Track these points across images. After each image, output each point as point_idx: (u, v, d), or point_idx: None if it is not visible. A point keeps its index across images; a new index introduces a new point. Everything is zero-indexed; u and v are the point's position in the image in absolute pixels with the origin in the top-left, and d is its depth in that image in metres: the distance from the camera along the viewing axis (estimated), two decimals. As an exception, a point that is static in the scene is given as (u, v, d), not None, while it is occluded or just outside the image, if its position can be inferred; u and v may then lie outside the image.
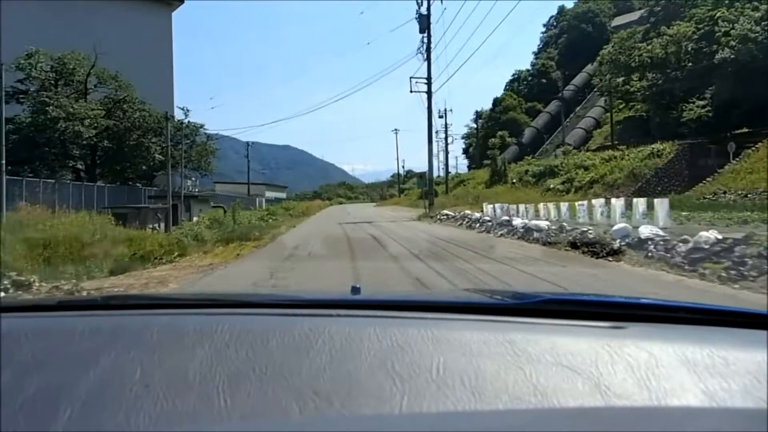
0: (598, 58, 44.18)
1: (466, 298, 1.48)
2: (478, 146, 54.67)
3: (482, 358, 0.81)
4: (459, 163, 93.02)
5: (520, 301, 1.22)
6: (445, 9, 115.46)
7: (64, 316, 1.13)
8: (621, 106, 43.94)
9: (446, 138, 55.32)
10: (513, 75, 64.15)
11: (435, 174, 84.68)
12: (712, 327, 1.05)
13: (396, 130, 75.26)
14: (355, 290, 1.37)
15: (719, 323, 1.07)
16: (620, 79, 38.28)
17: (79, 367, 0.79)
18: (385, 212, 38.47)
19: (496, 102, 57.73)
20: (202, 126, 37.01)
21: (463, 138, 69.90)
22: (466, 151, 66.79)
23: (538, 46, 70.13)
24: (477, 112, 70.51)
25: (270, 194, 70.10)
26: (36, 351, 0.85)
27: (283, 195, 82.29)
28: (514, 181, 38.60)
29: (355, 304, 1.22)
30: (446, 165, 52.65)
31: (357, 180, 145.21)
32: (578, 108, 57.01)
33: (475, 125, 71.04)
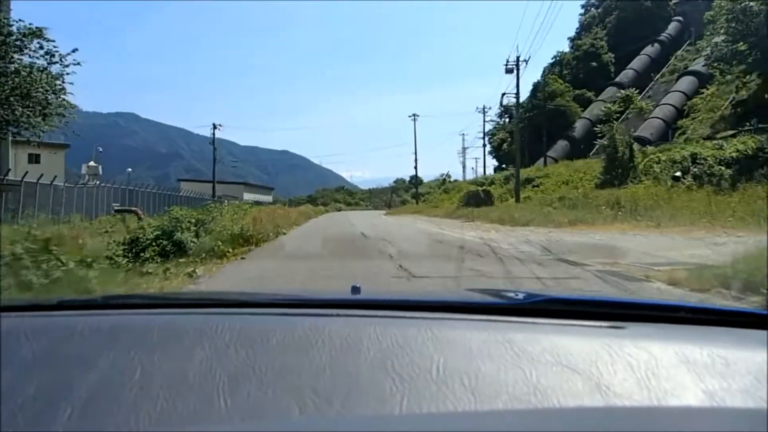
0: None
1: (465, 298, 1.47)
2: (520, 140, 43.06)
3: (482, 358, 0.81)
4: (469, 167, 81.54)
5: (519, 301, 1.22)
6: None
7: (64, 316, 1.12)
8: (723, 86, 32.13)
9: (516, 117, 40.49)
10: (553, 57, 52.81)
11: (461, 177, 72.14)
12: (712, 327, 1.04)
13: (414, 115, 61.91)
14: (355, 290, 1.35)
15: (719, 323, 1.07)
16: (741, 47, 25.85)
17: (79, 367, 0.79)
18: (417, 225, 23.80)
19: (537, 87, 45.98)
20: (40, 32, 16.52)
21: (489, 135, 58.28)
22: (497, 150, 55.00)
23: (576, 29, 58.74)
24: (503, 106, 58.62)
25: (250, 196, 58.70)
26: (36, 351, 0.85)
27: (268, 197, 70.35)
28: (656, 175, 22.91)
29: (355, 303, 1.21)
30: (518, 159, 32.73)
31: (355, 187, 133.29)
32: (640, 96, 45.12)
33: (501, 120, 59.13)
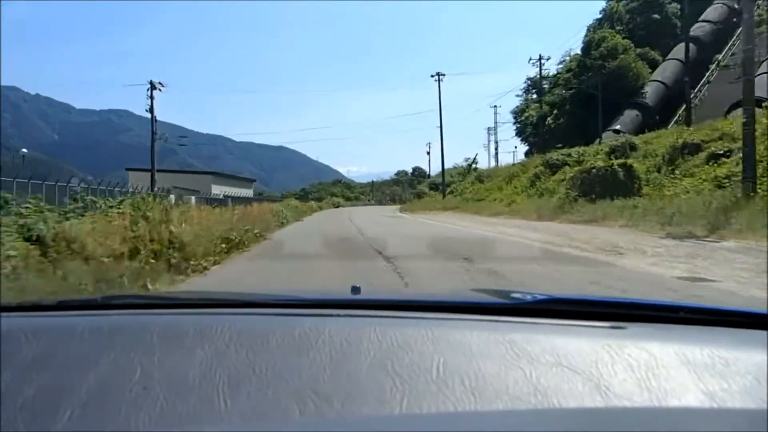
0: None
1: (466, 298, 1.46)
2: (568, 113, 32.36)
3: (482, 359, 0.81)
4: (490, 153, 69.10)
5: (520, 301, 1.22)
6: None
7: (64, 316, 1.12)
8: None
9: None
10: (601, 11, 42.11)
11: (484, 165, 59.92)
12: (712, 327, 1.04)
13: (439, 75, 48.21)
14: (356, 290, 1.35)
15: (719, 323, 1.07)
16: None
17: (79, 368, 0.79)
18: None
19: (590, 44, 35.52)
20: None
21: (514, 113, 47.96)
22: (523, 132, 44.50)
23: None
24: (530, 82, 48.46)
25: (221, 189, 45.11)
26: (36, 351, 0.85)
27: (247, 191, 57.62)
28: None
29: (355, 304, 1.20)
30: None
31: (352, 181, 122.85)
32: (721, 55, 34.58)
33: (529, 96, 48.39)
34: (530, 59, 40.58)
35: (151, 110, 34.09)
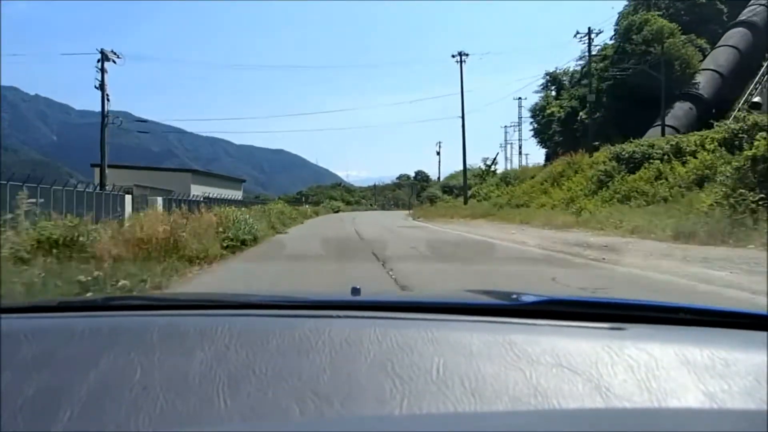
0: None
1: (466, 300, 1.45)
2: (605, 106, 27.40)
3: (482, 360, 0.81)
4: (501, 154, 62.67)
5: (520, 302, 1.21)
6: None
7: (64, 317, 1.12)
8: None
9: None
10: (635, -5, 37.44)
11: (500, 167, 53.61)
12: (712, 328, 1.04)
13: (461, 55, 41.00)
14: (356, 291, 1.34)
15: (719, 324, 1.07)
16: None
17: (78, 368, 0.79)
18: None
19: (630, 29, 30.67)
20: None
21: (532, 111, 43.29)
22: (545, 131, 39.71)
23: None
24: (545, 75, 44.10)
25: (202, 190, 39.07)
26: (36, 351, 0.85)
27: (235, 192, 51.22)
28: None
29: (355, 305, 1.20)
30: None
31: (351, 185, 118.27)
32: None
33: (544, 88, 43.75)
34: (577, 33, 34.35)
35: (101, 87, 27.01)
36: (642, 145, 22.36)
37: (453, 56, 41.38)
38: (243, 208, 17.88)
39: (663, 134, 24.26)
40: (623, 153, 22.69)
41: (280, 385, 0.74)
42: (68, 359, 0.83)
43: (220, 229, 12.34)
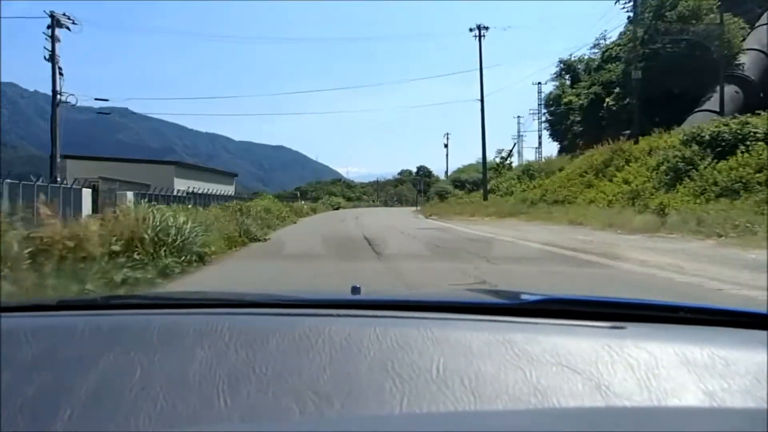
0: None
1: (466, 298, 1.44)
2: (637, 93, 24.21)
3: (482, 359, 0.81)
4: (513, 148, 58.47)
5: (520, 301, 1.21)
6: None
7: (64, 316, 1.12)
8: None
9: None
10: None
11: (516, 161, 49.22)
12: (712, 327, 1.04)
13: (480, 28, 35.52)
14: (356, 290, 1.34)
15: (719, 323, 1.07)
16: None
17: (79, 368, 0.79)
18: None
19: (662, 5, 27.34)
20: None
21: (547, 104, 40.30)
22: (562, 122, 36.58)
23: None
24: (559, 62, 41.27)
25: (188, 184, 35.05)
26: (36, 351, 0.85)
27: (227, 188, 46.04)
28: None
29: (355, 304, 1.20)
30: None
31: (352, 182, 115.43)
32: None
33: (558, 77, 40.71)
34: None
35: (51, 58, 22.68)
36: (726, 125, 17.49)
37: (471, 30, 36.42)
38: (200, 208, 14.23)
39: (722, 113, 20.55)
40: (703, 135, 17.71)
41: (280, 385, 0.74)
42: (68, 359, 0.83)
43: (115, 248, 7.01)
